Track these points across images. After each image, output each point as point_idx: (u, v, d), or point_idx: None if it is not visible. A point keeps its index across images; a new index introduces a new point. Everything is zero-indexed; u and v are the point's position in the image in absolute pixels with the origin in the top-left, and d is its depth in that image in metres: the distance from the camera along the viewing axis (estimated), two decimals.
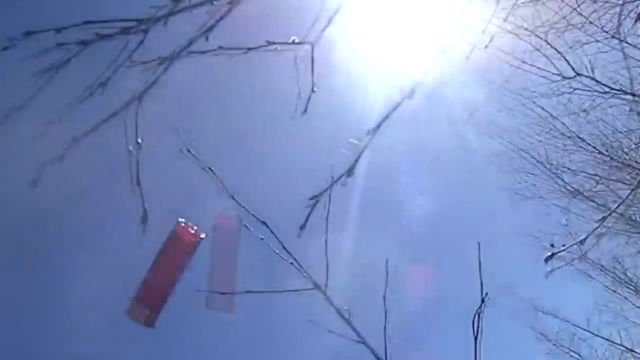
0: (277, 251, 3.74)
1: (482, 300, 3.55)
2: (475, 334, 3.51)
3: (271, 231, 3.77)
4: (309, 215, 2.75)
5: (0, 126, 3.48)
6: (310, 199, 2.69)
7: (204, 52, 3.27)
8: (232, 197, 3.78)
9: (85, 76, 3.44)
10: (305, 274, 3.75)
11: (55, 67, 3.52)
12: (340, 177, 2.62)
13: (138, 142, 3.01)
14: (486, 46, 2.95)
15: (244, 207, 3.75)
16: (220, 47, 3.24)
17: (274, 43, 3.27)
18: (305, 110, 3.30)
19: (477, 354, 3.53)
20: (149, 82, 3.09)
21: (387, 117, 2.59)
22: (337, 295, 3.79)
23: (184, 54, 3.05)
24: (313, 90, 3.27)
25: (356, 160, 2.60)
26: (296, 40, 3.30)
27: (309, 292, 3.80)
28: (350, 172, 2.61)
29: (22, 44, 3.51)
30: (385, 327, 3.70)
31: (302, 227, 2.81)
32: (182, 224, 7.96)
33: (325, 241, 3.63)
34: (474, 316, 3.53)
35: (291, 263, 3.78)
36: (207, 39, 3.14)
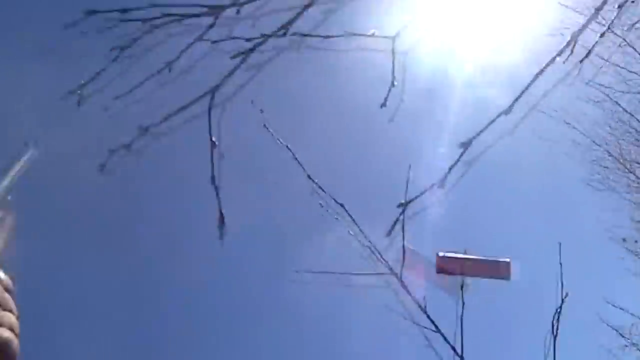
0: (353, 234, 3.67)
1: (562, 300, 3.46)
2: (554, 333, 3.43)
3: (348, 214, 3.68)
4: (396, 221, 2.64)
5: (65, 108, 3.41)
6: (399, 205, 2.57)
7: (282, 36, 3.09)
8: (309, 177, 3.67)
9: (153, 58, 3.32)
10: (382, 259, 3.67)
11: (121, 47, 3.40)
12: (432, 186, 2.49)
13: (213, 141, 2.87)
14: (588, 54, 2.73)
15: (321, 188, 3.65)
16: (297, 34, 3.08)
17: (354, 34, 3.10)
18: (384, 104, 3.16)
19: (554, 352, 3.46)
20: (225, 72, 2.93)
21: (482, 131, 2.44)
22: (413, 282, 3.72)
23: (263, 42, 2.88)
24: (393, 85, 3.11)
25: (449, 171, 2.47)
26: (377, 33, 3.13)
27: (386, 277, 3.72)
28: (442, 182, 2.47)
29: (85, 24, 3.40)
30: (461, 317, 3.63)
31: (389, 233, 2.71)
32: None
33: (403, 228, 3.53)
34: (554, 315, 3.45)
35: (367, 246, 3.70)
36: (285, 33, 2.96)
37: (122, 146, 3.07)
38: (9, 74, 3.60)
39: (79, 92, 3.35)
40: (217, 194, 2.85)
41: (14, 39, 3.89)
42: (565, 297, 3.43)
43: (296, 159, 3.59)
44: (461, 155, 2.43)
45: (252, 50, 2.86)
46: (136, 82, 3.28)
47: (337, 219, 3.73)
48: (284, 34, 2.95)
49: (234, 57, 2.84)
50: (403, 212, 2.56)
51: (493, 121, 2.46)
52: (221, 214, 2.83)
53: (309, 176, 3.66)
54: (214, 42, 3.31)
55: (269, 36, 2.92)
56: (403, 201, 2.54)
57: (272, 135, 3.54)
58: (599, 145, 8.62)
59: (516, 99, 2.46)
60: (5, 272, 0.75)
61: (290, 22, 2.88)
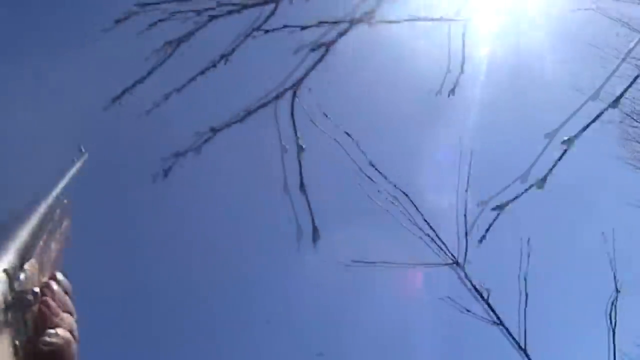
0: (416, 223, 3.61)
1: (617, 290, 3.43)
2: (612, 325, 3.40)
3: (412, 202, 3.61)
4: (491, 224, 2.55)
5: (120, 105, 3.28)
6: (493, 209, 2.47)
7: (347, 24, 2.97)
8: (372, 164, 3.59)
9: (210, 52, 3.18)
10: (444, 249, 3.62)
11: (176, 41, 3.26)
12: (531, 186, 2.39)
13: (300, 145, 2.75)
14: None
15: (384, 176, 3.57)
16: (360, 20, 2.95)
17: (422, 19, 2.99)
18: (452, 92, 3.06)
19: (614, 344, 3.43)
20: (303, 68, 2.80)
21: (586, 127, 2.32)
22: (475, 272, 3.67)
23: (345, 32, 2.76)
24: (462, 71, 3.01)
25: (550, 170, 2.36)
26: (446, 17, 3.02)
27: (447, 268, 3.68)
28: (542, 182, 2.37)
29: (137, 16, 3.25)
30: (524, 309, 3.58)
31: (482, 239, 2.62)
32: None
33: (465, 216, 3.47)
34: (609, 306, 3.42)
35: (428, 235, 3.65)
36: (351, 23, 2.84)
37: (189, 149, 2.95)
38: (58, 72, 3.47)
39: (130, 91, 3.22)
40: (307, 200, 2.74)
41: (63, 35, 3.75)
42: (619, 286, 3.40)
43: (358, 146, 3.50)
44: (564, 153, 2.31)
45: (333, 43, 2.73)
46: (194, 79, 3.15)
47: (396, 206, 3.66)
48: (350, 23, 2.83)
49: (313, 49, 2.71)
50: (498, 215, 2.46)
51: (599, 116, 2.33)
52: (314, 223, 2.72)
53: (370, 163, 3.58)
54: (267, 31, 3.19)
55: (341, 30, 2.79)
56: (499, 203, 2.43)
57: (332, 123, 3.44)
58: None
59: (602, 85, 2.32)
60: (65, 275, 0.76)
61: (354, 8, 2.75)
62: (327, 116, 3.44)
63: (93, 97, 3.46)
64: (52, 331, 0.67)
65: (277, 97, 2.77)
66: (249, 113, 2.83)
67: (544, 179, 2.39)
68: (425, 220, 3.53)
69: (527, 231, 3.71)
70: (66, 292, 0.74)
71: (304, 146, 2.74)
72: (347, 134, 3.52)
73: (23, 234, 0.69)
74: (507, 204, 2.44)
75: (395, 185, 3.56)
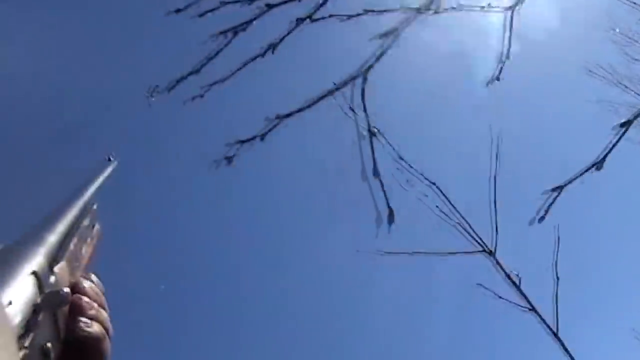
0: (445, 212, 3.67)
1: None
2: None
3: (441, 191, 3.68)
4: (549, 206, 2.65)
5: (176, 92, 3.32)
6: (553, 189, 2.58)
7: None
8: (400, 158, 3.66)
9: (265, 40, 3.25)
10: (475, 236, 3.69)
11: (233, 30, 3.32)
12: (588, 169, 2.51)
13: (372, 130, 2.81)
14: None
15: (412, 168, 3.64)
16: (409, 8, 3.06)
17: (466, 8, 3.10)
18: (497, 78, 3.16)
19: None
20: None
21: None
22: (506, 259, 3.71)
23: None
24: (507, 58, 3.11)
25: (608, 153, 2.48)
26: (492, 5, 3.12)
27: (478, 255, 3.74)
28: (599, 165, 2.49)
29: (196, 5, 3.32)
30: (556, 294, 3.66)
31: (542, 219, 2.72)
32: None
33: (494, 202, 3.54)
34: None
35: (458, 223, 3.71)
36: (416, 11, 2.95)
37: (253, 137, 3.00)
38: (117, 63, 3.52)
39: (187, 78, 3.27)
40: (383, 187, 2.79)
41: (120, 27, 3.79)
42: None
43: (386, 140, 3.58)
44: (622, 134, 2.43)
45: (400, 30, 2.83)
46: (249, 66, 3.21)
47: (427, 197, 3.73)
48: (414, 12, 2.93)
49: (382, 36, 2.80)
50: (558, 195, 2.57)
51: None
52: (389, 208, 2.77)
53: (399, 157, 3.65)
54: (314, 20, 3.26)
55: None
56: (558, 185, 2.53)
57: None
58: None
59: None
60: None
61: None
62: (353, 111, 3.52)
63: (153, 83, 3.51)
64: (87, 320, 0.68)
65: (346, 83, 2.85)
66: (317, 100, 2.90)
67: (602, 161, 2.49)
68: (455, 209, 3.60)
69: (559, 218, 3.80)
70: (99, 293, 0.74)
71: (377, 130, 2.81)
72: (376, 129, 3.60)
73: (53, 238, 0.70)
74: (566, 184, 2.54)
75: (422, 175, 3.63)
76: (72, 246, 0.73)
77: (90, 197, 0.88)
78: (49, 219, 0.74)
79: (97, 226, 0.88)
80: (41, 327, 0.59)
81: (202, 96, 3.37)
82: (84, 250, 0.79)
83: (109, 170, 1.03)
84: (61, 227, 0.73)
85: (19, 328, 0.54)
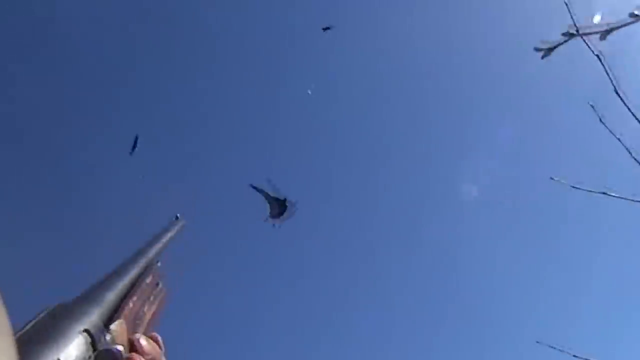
0: None
1: None
2: None
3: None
4: None
5: None
6: None
7: None
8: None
9: None
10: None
11: None
12: None
13: None
14: None
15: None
16: None
17: None
18: None
19: None
20: None
21: None
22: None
23: None
24: None
25: None
26: None
27: None
28: None
29: None
30: None
31: None
32: None
33: None
34: None
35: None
36: None
37: None
38: None
39: None
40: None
41: None
42: None
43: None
44: None
45: None
46: None
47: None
48: None
49: None
50: None
51: None
52: None
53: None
54: None
55: None
56: None
57: None
58: None
59: None
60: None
61: None
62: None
63: None
64: None
65: None
66: None
67: None
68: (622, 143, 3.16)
69: None
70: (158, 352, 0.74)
71: None
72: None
73: (111, 296, 0.71)
74: None
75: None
76: (131, 304, 0.76)
77: (154, 255, 0.90)
78: (109, 276, 0.77)
79: (160, 284, 0.90)
80: None
81: None
82: (145, 309, 0.81)
83: (175, 229, 1.04)
84: (120, 285, 0.76)
85: None
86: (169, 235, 1.01)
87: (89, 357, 0.63)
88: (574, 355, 3.41)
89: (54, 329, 0.61)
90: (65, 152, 11.93)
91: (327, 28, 10.08)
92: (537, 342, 3.81)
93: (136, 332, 0.75)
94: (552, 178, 3.48)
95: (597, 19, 2.88)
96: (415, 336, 14.38)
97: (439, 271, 13.74)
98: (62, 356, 0.59)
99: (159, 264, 0.91)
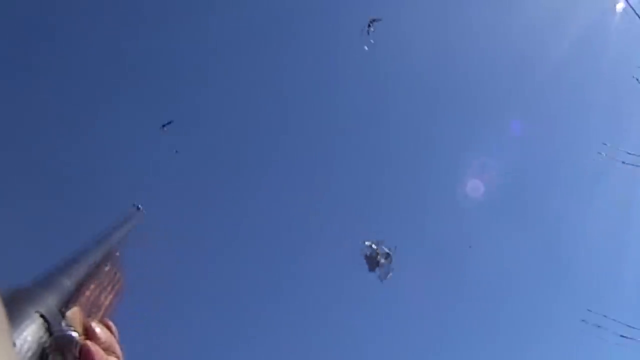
0: None
1: None
2: None
3: None
4: None
5: None
6: None
7: None
8: None
9: None
10: None
11: None
12: None
13: None
14: None
15: None
16: None
17: None
18: None
19: None
20: None
21: None
22: None
23: None
24: None
25: None
26: None
27: None
28: None
29: None
30: None
31: None
32: None
33: None
34: None
35: None
36: None
37: None
38: None
39: None
40: None
41: None
42: None
43: None
44: None
45: None
46: None
47: None
48: None
49: None
50: None
51: None
52: None
53: None
54: None
55: None
56: None
57: None
58: None
59: None
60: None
61: None
62: None
63: None
64: None
65: None
66: None
67: None
68: None
69: None
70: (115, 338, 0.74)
71: None
72: None
73: (67, 282, 0.70)
74: None
75: None
76: (88, 292, 0.75)
77: (113, 244, 0.89)
78: (67, 262, 0.76)
79: (119, 273, 0.89)
80: None
81: None
82: (102, 297, 0.80)
83: (135, 219, 1.04)
84: (78, 272, 0.75)
85: None
86: (129, 225, 1.00)
87: (44, 342, 0.62)
88: (621, 335, 3.32)
89: (9, 314, 0.58)
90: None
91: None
92: (583, 320, 3.72)
93: (91, 319, 0.73)
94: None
95: None
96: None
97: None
98: (17, 341, 0.58)
99: (117, 254, 0.90)
